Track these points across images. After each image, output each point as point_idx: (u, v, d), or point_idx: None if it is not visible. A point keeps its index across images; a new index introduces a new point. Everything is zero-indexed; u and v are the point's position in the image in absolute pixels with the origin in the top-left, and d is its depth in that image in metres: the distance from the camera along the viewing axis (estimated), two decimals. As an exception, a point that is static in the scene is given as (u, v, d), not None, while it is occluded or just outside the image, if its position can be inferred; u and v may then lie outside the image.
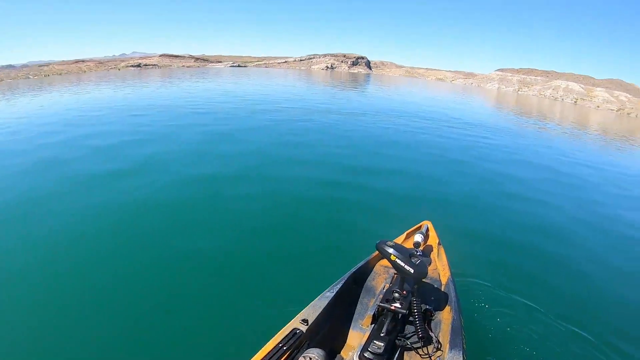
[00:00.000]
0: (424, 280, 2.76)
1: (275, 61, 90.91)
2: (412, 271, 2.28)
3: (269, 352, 1.99)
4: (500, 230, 5.84)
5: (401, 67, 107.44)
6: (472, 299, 3.69)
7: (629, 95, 71.16)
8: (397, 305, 2.35)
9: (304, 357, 1.93)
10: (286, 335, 2.11)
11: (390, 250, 2.34)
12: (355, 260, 3.04)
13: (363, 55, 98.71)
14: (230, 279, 4.10)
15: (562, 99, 72.75)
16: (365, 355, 2.14)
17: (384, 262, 3.04)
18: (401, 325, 2.42)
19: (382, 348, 2.14)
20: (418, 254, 2.56)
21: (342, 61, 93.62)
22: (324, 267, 4.05)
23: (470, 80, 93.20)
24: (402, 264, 2.29)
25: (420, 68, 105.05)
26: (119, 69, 56.53)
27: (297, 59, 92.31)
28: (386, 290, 2.63)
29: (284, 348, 2.02)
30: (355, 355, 2.19)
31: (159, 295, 3.81)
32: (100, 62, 65.16)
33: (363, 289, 2.85)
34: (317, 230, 5.36)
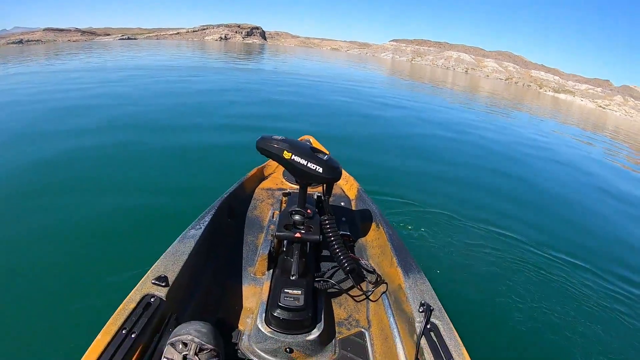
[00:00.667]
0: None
1: (167, 33, 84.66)
2: (320, 170, 1.49)
3: (108, 344, 1.08)
4: (388, 140, 6.63)
5: (296, 37, 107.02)
6: (393, 216, 3.51)
7: (517, 66, 77.31)
8: (303, 231, 1.61)
9: (172, 343, 1.10)
10: (133, 310, 1.19)
11: (281, 145, 1.50)
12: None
13: (258, 25, 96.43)
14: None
15: (454, 69, 77.62)
16: (276, 314, 1.38)
17: (266, 183, 2.48)
18: (315, 262, 1.79)
19: (301, 298, 1.40)
20: (324, 153, 1.65)
21: (236, 32, 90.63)
22: (189, 204, 3.37)
23: (365, 50, 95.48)
24: (304, 161, 1.48)
25: (315, 38, 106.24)
26: (-2, 47, 49.80)
27: (189, 30, 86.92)
28: (280, 215, 1.77)
29: (134, 333, 1.12)
30: (259, 320, 1.42)
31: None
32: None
33: (245, 225, 2.07)
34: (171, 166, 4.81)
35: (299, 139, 2.65)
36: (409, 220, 3.68)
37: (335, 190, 2.41)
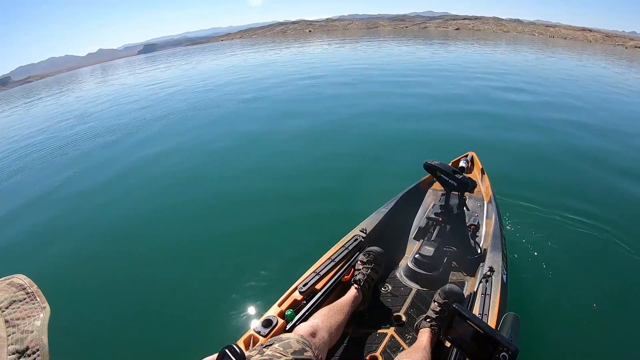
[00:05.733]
0: (468, 199, 2.90)
1: None
2: (455, 184, 2.40)
3: (334, 253, 2.23)
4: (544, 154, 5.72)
5: None
6: (513, 215, 3.82)
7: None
8: (444, 218, 2.53)
9: (364, 253, 2.20)
10: (348, 241, 2.35)
11: (436, 166, 2.45)
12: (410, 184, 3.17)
13: None
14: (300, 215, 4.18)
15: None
16: (417, 257, 2.35)
17: (435, 186, 3.25)
18: (449, 237, 2.54)
19: (432, 252, 2.33)
20: (462, 174, 2.55)
21: None
22: (383, 188, 3.88)
23: None
24: (446, 178, 2.40)
25: None
26: (626, 47, 43.17)
27: None
28: (434, 206, 2.81)
29: (347, 250, 2.27)
30: (408, 261, 2.39)
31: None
32: (607, 36, 54.09)
33: (415, 209, 3.04)
34: (370, 160, 5.65)
35: (465, 154, 3.51)
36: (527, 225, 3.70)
37: (478, 195, 3.09)
